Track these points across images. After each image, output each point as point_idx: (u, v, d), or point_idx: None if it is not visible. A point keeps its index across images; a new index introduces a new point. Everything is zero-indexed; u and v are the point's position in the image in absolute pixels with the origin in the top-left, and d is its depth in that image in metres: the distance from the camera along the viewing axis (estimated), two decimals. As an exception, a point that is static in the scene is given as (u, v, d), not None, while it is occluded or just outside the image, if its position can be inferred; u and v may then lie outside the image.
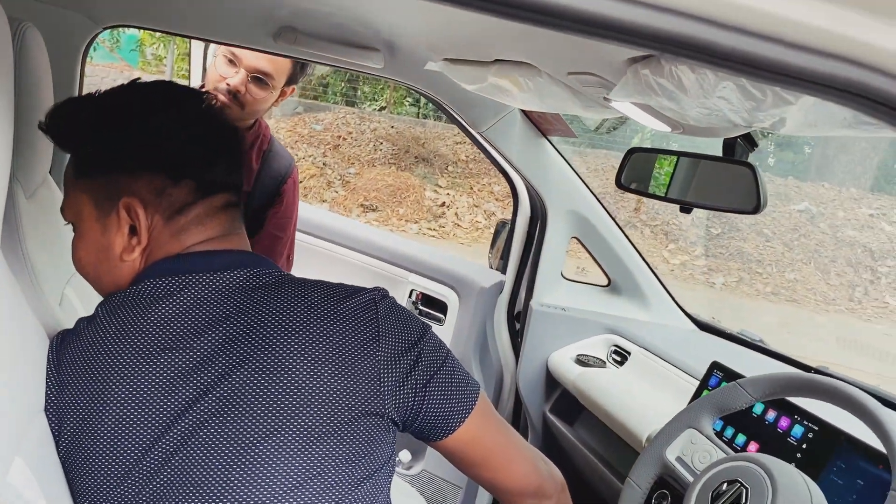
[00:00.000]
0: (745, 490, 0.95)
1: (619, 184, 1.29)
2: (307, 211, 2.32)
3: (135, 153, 0.81)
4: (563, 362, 1.80)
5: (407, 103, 13.34)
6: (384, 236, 2.29)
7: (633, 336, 1.82)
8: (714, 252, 9.65)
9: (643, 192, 1.26)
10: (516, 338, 1.97)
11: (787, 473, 0.95)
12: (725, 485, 0.98)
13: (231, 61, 1.59)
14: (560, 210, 1.84)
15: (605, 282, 1.97)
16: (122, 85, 0.88)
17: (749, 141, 1.12)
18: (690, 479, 1.06)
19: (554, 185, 1.83)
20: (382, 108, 13.60)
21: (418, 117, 13.20)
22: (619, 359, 1.80)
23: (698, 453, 1.10)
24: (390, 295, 0.87)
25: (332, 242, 2.13)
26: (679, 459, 1.11)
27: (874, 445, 1.10)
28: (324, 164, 10.80)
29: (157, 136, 0.82)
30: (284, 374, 0.75)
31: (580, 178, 1.84)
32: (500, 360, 1.98)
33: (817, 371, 1.52)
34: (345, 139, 11.53)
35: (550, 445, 1.87)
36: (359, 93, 13.59)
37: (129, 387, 0.74)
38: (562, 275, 1.93)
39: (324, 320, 0.79)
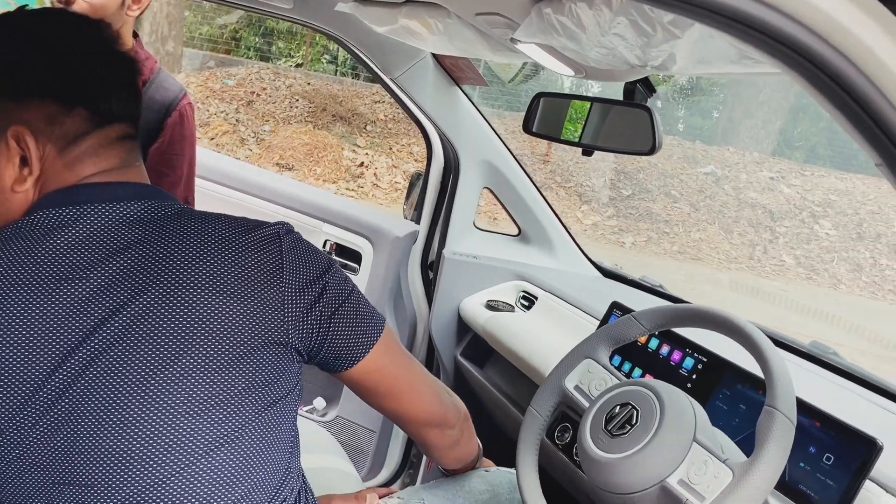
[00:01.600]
0: (636, 411, 1.02)
1: (525, 129, 1.32)
2: (216, 158, 2.27)
3: (23, 78, 0.79)
4: (474, 308, 1.85)
5: (324, 60, 13.06)
6: (297, 186, 2.27)
7: (540, 282, 1.88)
8: (624, 213, 9.96)
9: (548, 137, 1.30)
10: (430, 286, 2.01)
11: (674, 395, 1.02)
12: (618, 408, 1.04)
13: None
14: (472, 160, 1.87)
15: (516, 231, 2.02)
16: (10, 11, 0.84)
17: (647, 86, 1.17)
18: (587, 405, 1.12)
19: (466, 135, 1.86)
20: (299, 65, 13.28)
21: (336, 75, 12.97)
22: (526, 303, 1.86)
23: (595, 381, 1.16)
24: (295, 230, 0.88)
25: (242, 192, 2.10)
26: (577, 388, 1.17)
27: (755, 373, 1.20)
28: (237, 120, 10.50)
29: (46, 60, 0.79)
30: (188, 299, 0.75)
31: (492, 129, 1.87)
32: (413, 308, 2.01)
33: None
34: (259, 95, 11.23)
35: (462, 388, 1.93)
36: (273, 48, 13.21)
37: (23, 321, 0.72)
38: (474, 224, 1.97)
39: (227, 251, 0.79)
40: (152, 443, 0.72)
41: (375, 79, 1.84)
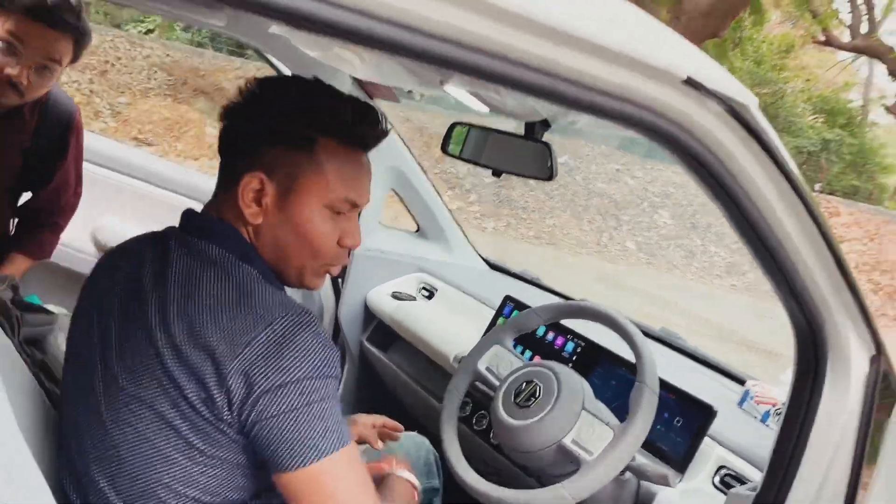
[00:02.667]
0: (539, 387, 1.29)
1: (443, 150, 1.56)
2: (100, 142, 2.35)
3: None
4: (380, 298, 2.08)
5: (178, 27, 12.56)
6: (190, 173, 2.39)
7: (439, 274, 2.14)
8: (486, 199, 10.44)
9: (463, 158, 1.54)
10: (336, 279, 2.20)
11: (567, 373, 1.31)
12: (524, 384, 1.31)
13: (11, 47, 1.39)
14: (381, 166, 2.07)
15: (415, 228, 2.26)
16: None
17: (545, 124, 1.43)
18: (497, 383, 1.39)
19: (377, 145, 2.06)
20: (150, 32, 12.70)
21: (192, 45, 12.52)
22: (427, 294, 2.11)
23: (503, 363, 1.43)
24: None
25: (128, 176, 2.21)
26: (488, 369, 1.44)
27: (623, 356, 1.51)
28: (90, 91, 9.97)
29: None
30: None
31: (400, 138, 2.09)
32: (320, 301, 2.19)
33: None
34: (113, 65, 10.69)
35: (368, 371, 2.15)
36: (125, 12, 12.55)
37: None
38: (379, 222, 2.19)
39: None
40: None
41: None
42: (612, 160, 11.91)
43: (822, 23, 16.28)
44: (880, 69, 19.53)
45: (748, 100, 0.81)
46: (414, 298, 2.09)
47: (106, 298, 1.00)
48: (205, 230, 0.98)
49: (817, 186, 17.58)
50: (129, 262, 1.01)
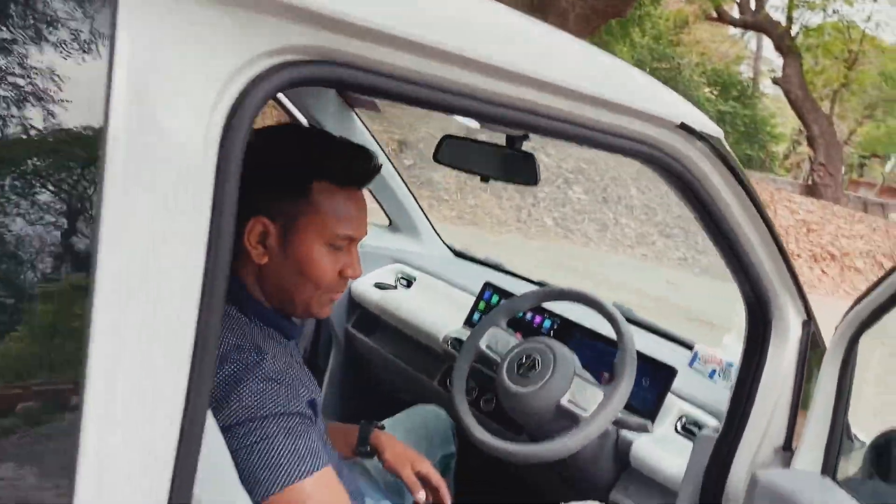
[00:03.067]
0: (536, 359, 1.54)
1: (435, 159, 1.77)
2: None
3: None
4: (365, 288, 2.28)
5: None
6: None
7: (414, 264, 2.36)
8: (408, 181, 10.63)
9: (454, 166, 1.76)
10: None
11: (559, 346, 1.57)
12: (524, 358, 1.56)
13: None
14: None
15: (387, 222, 2.47)
16: None
17: (524, 136, 1.67)
18: (497, 359, 1.63)
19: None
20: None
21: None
22: (406, 283, 2.33)
23: (500, 342, 1.68)
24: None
25: None
26: (488, 347, 1.68)
27: (595, 329, 1.79)
28: None
29: None
30: None
31: (375, 139, 2.28)
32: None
33: (544, 284, 2.21)
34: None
35: (353, 355, 2.36)
36: None
37: None
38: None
39: None
40: None
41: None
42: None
43: (714, 0, 17.19)
44: (767, 43, 20.78)
45: (719, 134, 1.08)
46: (395, 287, 2.31)
47: None
48: None
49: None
50: None
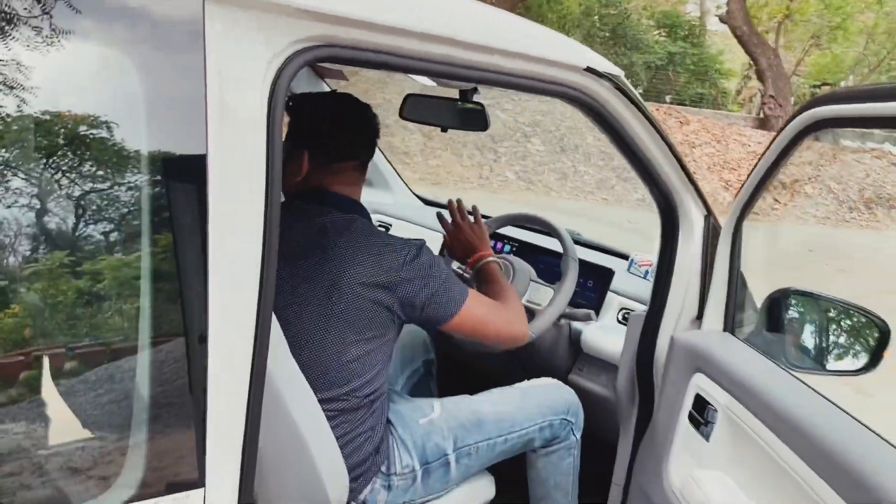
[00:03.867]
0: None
1: (401, 115, 2.09)
2: None
3: None
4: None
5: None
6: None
7: (389, 212, 2.69)
8: (371, 146, 10.84)
9: (416, 121, 2.07)
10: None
11: (518, 260, 1.92)
12: (489, 272, 1.91)
13: None
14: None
15: (363, 178, 2.78)
16: None
17: (475, 89, 2.00)
18: (467, 276, 1.98)
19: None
20: None
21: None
22: (384, 228, 2.66)
23: (469, 263, 2.02)
24: None
25: None
26: (459, 267, 2.02)
27: (546, 246, 2.14)
28: None
29: None
30: None
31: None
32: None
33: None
34: None
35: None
36: None
37: None
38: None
39: None
40: None
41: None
42: (480, 97, 12.55)
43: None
44: (711, -18, 21.11)
45: (620, 73, 1.41)
46: (375, 233, 2.63)
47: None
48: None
49: (668, 98, 19.03)
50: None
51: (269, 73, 0.91)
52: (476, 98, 1.98)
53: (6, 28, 0.73)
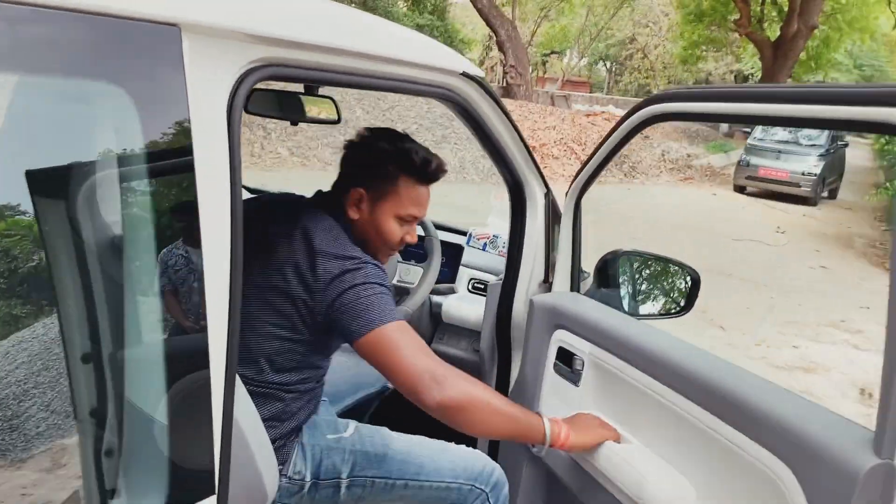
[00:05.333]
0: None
1: (247, 111, 2.10)
2: None
3: None
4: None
5: None
6: None
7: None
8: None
9: (267, 115, 2.10)
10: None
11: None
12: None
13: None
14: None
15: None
16: None
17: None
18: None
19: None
20: None
21: None
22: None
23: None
24: None
25: None
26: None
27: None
28: None
29: None
30: None
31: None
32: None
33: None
34: None
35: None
36: None
37: None
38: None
39: None
40: None
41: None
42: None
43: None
44: (451, -44, 22.10)
45: (482, 74, 1.60)
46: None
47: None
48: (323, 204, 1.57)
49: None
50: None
51: (229, 88, 0.98)
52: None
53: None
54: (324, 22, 1.18)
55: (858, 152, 18.17)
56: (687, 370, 1.35)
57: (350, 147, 1.62)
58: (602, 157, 1.68)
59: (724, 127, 20.77)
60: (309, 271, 1.40)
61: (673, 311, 1.85)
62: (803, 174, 12.55)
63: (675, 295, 1.88)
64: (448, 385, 1.24)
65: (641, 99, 1.55)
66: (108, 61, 0.84)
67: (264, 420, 1.42)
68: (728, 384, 1.26)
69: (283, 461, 1.51)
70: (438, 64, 1.46)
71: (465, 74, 1.52)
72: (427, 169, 1.54)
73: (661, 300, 1.92)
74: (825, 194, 13.58)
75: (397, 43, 1.36)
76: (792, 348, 5.53)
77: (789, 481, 1.09)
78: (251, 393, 1.40)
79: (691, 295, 1.82)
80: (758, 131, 13.79)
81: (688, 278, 1.83)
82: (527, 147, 1.82)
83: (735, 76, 29.23)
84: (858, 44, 22.06)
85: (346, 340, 1.36)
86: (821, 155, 12.89)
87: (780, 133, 13.40)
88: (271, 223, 1.50)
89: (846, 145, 14.61)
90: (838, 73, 22.59)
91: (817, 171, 12.57)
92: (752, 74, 24.73)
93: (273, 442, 1.40)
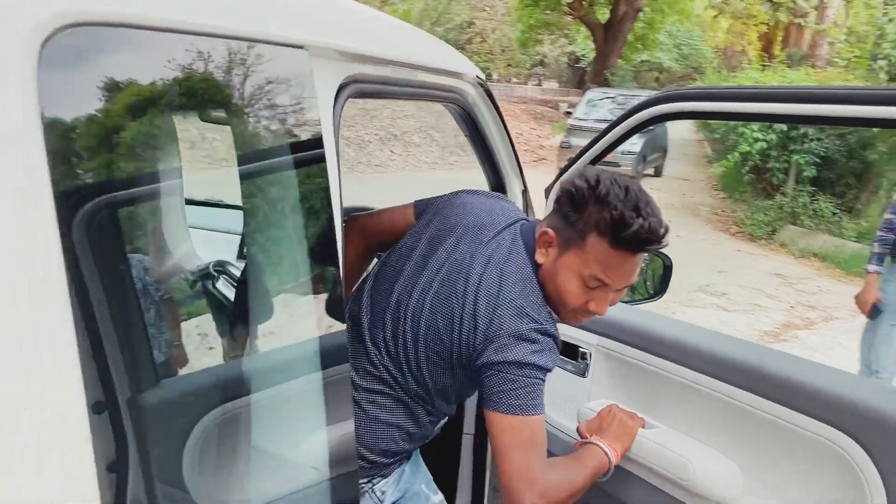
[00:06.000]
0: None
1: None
2: None
3: None
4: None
5: None
6: None
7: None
8: None
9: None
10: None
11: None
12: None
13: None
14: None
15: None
16: None
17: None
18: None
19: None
20: None
21: None
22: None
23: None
24: None
25: None
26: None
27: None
28: None
29: None
30: None
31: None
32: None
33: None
34: None
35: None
36: None
37: None
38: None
39: None
40: None
41: None
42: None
43: None
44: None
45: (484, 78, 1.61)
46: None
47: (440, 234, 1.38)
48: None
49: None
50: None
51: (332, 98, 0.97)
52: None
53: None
54: (386, 35, 1.15)
55: (680, 125, 19.62)
56: (722, 356, 1.44)
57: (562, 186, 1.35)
58: (598, 152, 1.74)
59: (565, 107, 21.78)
60: (485, 315, 1.26)
61: (650, 296, 1.94)
62: (623, 153, 12.05)
63: (650, 281, 1.97)
64: (547, 498, 1.21)
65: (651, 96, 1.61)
66: (259, 80, 0.87)
67: (390, 425, 1.37)
68: (770, 364, 1.36)
69: (382, 475, 1.41)
70: (457, 69, 1.45)
71: (478, 80, 1.52)
72: (619, 232, 1.21)
73: (640, 286, 2.00)
74: (650, 171, 13.52)
75: (428, 49, 1.34)
76: (671, 315, 5.96)
77: (857, 454, 1.19)
78: (389, 396, 1.35)
79: (665, 279, 1.92)
80: (579, 111, 13.56)
81: (661, 265, 1.92)
82: (513, 146, 1.84)
83: (569, 58, 30.66)
84: (678, 25, 23.84)
85: (480, 400, 1.29)
86: (639, 133, 12.97)
87: (601, 111, 13.09)
88: (464, 237, 1.37)
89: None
90: (661, 52, 24.27)
91: (636, 149, 12.21)
92: (585, 55, 26.02)
93: (386, 453, 1.37)
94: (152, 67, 0.71)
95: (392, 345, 1.34)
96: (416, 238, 1.42)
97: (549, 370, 1.25)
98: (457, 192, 1.49)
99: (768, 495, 1.38)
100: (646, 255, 1.32)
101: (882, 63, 8.42)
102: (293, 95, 0.92)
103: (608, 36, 19.40)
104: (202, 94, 0.81)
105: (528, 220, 1.43)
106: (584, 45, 25.67)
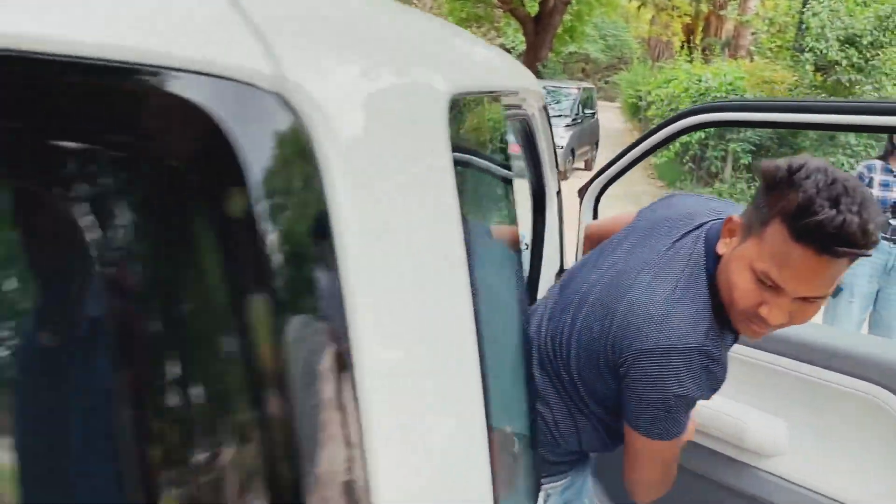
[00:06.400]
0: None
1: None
2: None
3: None
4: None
5: None
6: None
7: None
8: None
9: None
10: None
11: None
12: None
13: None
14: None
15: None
16: None
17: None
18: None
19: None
20: None
21: None
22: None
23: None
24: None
25: None
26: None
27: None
28: None
29: None
30: None
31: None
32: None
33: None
34: None
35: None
36: None
37: None
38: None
39: None
40: None
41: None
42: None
43: None
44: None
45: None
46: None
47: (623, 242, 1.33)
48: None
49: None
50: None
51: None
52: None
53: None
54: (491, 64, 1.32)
55: (610, 115, 19.96)
56: None
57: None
58: (631, 160, 1.96)
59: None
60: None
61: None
62: (551, 148, 11.95)
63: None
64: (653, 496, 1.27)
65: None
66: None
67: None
68: (805, 333, 1.62)
69: (558, 473, 1.42)
70: (530, 86, 1.64)
71: (542, 95, 1.72)
72: (800, 221, 0.98)
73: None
74: (581, 166, 13.05)
75: (517, 73, 1.53)
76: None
77: (890, 400, 1.46)
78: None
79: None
80: (511, 108, 13.43)
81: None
82: (556, 153, 2.05)
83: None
84: (603, 17, 24.48)
85: (622, 413, 1.22)
86: (567, 126, 11.98)
87: (531, 108, 12.86)
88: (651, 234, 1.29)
89: (594, 114, 13.99)
90: (589, 43, 24.93)
91: (564, 142, 11.57)
92: (515, 48, 26.42)
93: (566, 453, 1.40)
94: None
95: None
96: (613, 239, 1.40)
97: (697, 398, 1.15)
98: (670, 195, 1.45)
99: (815, 446, 1.64)
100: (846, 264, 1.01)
101: (808, 56, 9.00)
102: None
103: (538, 29, 19.74)
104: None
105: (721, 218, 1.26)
106: (515, 38, 26.03)
